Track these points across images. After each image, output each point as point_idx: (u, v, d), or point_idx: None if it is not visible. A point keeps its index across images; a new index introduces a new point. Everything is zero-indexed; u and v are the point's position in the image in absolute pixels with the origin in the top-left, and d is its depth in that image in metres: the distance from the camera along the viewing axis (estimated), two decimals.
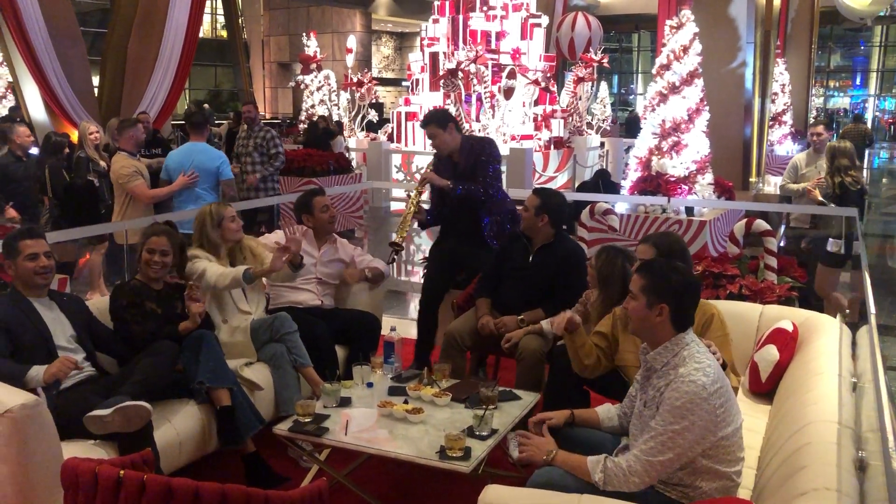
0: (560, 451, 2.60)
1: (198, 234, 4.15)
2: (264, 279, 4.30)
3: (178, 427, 3.34)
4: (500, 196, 4.70)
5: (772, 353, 3.41)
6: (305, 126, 13.58)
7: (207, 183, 6.01)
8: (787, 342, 3.44)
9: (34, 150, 7.26)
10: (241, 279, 3.91)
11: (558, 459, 2.57)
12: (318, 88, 18.35)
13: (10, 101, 14.97)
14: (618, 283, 3.46)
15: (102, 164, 6.78)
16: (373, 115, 14.87)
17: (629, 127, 18.38)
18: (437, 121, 4.57)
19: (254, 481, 3.45)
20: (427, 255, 5.14)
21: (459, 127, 4.73)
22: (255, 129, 7.68)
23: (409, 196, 4.52)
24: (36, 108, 11.74)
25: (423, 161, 11.83)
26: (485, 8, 12.31)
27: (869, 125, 26.10)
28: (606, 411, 2.88)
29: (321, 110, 17.74)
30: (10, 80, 13.06)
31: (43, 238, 3.35)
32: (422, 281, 5.04)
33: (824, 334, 3.39)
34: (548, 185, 9.70)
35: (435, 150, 4.69)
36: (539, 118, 12.46)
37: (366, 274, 4.59)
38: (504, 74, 11.48)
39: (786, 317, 3.64)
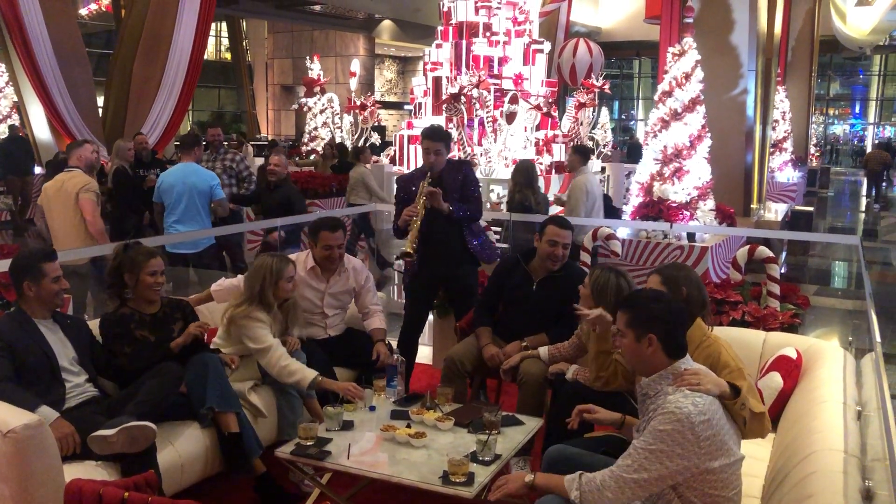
0: (539, 474, 2.60)
1: (249, 288, 3.84)
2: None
3: (180, 449, 3.32)
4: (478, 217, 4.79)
5: (776, 380, 3.40)
6: (323, 151, 13.54)
7: (201, 203, 6.14)
8: (791, 370, 3.43)
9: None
10: (304, 388, 3.67)
11: (538, 482, 2.57)
12: (322, 111, 18.50)
13: (13, 120, 15.06)
14: (612, 297, 3.43)
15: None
16: (375, 139, 14.95)
17: (631, 152, 18.47)
18: (446, 140, 4.58)
19: (268, 502, 3.45)
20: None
21: None
22: (220, 151, 7.50)
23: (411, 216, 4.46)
24: (40, 128, 11.82)
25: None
26: (488, 34, 12.40)
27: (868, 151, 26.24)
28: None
29: (324, 133, 17.83)
30: (16, 99, 13.14)
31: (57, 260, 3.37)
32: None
33: (828, 362, 3.39)
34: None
35: (429, 166, 4.53)
36: (540, 143, 12.51)
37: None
38: (506, 99, 11.54)
39: (790, 344, 3.64)
